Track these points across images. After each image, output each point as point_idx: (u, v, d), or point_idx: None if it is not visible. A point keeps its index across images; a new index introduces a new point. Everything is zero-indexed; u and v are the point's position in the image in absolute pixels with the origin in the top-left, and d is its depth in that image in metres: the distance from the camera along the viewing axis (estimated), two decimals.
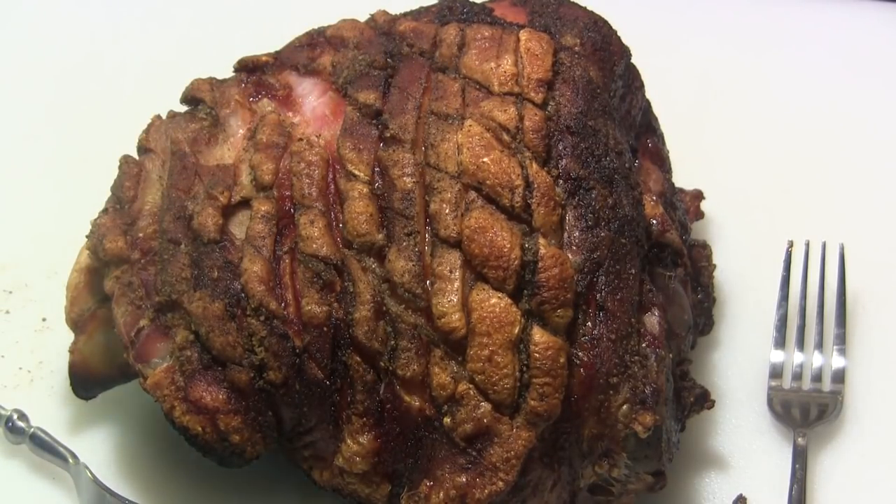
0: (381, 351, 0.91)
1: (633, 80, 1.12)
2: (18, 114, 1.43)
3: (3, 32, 1.55)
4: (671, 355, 0.98)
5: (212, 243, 0.96)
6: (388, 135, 0.97)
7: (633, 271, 0.94)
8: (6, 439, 1.06)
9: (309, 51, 1.09)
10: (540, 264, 0.90)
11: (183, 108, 1.10)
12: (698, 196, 1.25)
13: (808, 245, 1.20)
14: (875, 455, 1.09)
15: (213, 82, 1.10)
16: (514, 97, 0.98)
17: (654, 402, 0.91)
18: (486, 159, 0.94)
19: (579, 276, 0.91)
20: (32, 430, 1.05)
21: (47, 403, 1.11)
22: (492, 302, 0.89)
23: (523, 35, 1.03)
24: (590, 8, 1.11)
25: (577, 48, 1.04)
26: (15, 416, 1.05)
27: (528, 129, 0.96)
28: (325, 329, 0.92)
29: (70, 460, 1.03)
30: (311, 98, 1.05)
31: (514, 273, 0.90)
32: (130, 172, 1.05)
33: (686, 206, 1.19)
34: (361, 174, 0.96)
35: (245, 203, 0.98)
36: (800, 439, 1.07)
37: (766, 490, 1.05)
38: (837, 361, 1.13)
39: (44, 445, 1.04)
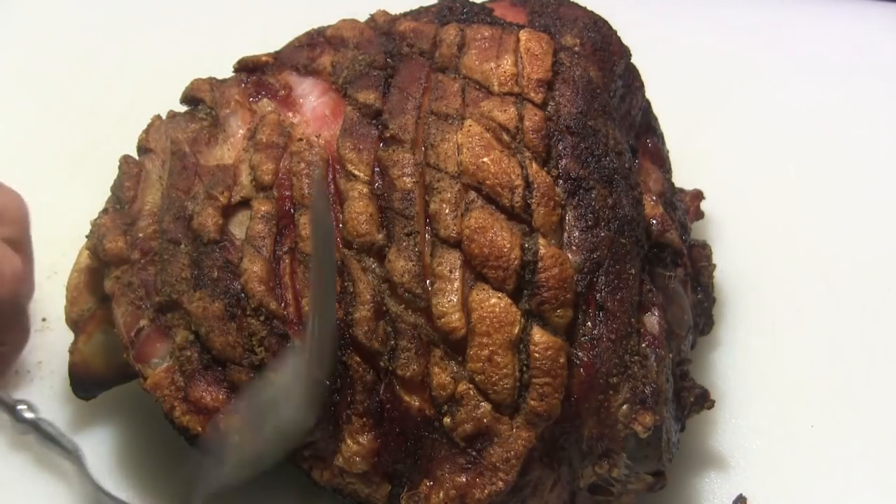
0: (381, 351, 0.91)
1: (633, 80, 1.12)
2: (19, 114, 1.43)
3: (4, 33, 1.55)
4: (671, 355, 0.98)
5: (212, 243, 0.96)
6: (388, 135, 0.97)
7: (633, 271, 0.94)
8: (13, 430, 1.06)
9: (309, 51, 1.09)
10: (540, 264, 0.90)
11: (183, 108, 1.10)
12: (698, 196, 1.25)
13: None
14: (875, 455, 1.09)
15: (213, 82, 1.10)
16: (514, 97, 0.98)
17: (654, 402, 0.91)
18: (486, 159, 0.94)
19: (579, 276, 0.91)
20: (37, 419, 1.05)
21: (47, 403, 1.11)
22: (492, 302, 0.89)
23: (523, 35, 1.02)
24: (590, 8, 1.11)
25: (577, 48, 1.04)
26: (21, 406, 1.05)
27: (528, 129, 0.96)
28: None
29: (71, 451, 1.03)
30: (311, 98, 1.05)
31: (514, 273, 0.90)
32: (130, 172, 1.05)
33: (686, 206, 1.19)
34: (361, 174, 0.96)
35: (245, 203, 0.98)
36: None
37: (766, 490, 1.05)
38: None
39: (49, 436, 1.04)
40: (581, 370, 0.90)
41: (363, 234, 0.94)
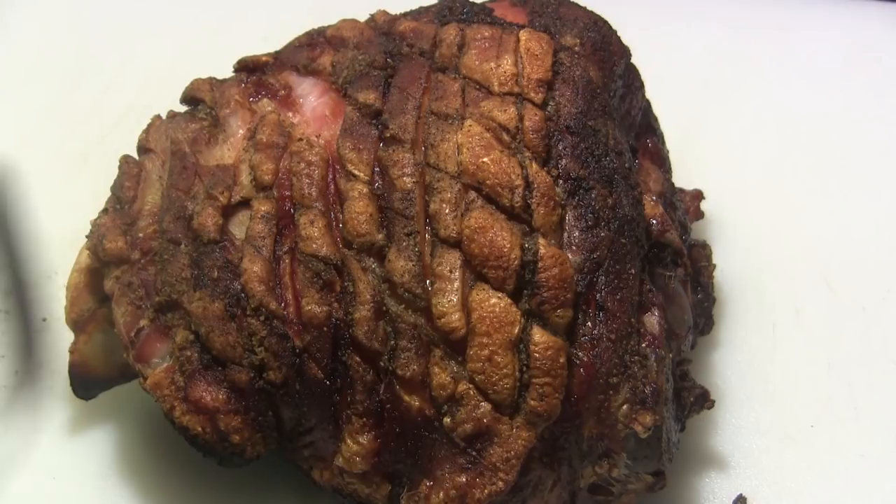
0: (381, 351, 0.91)
1: (633, 80, 1.12)
2: (19, 114, 1.43)
3: (5, 33, 1.55)
4: (671, 355, 0.98)
5: (212, 243, 0.96)
6: (388, 135, 0.97)
7: (633, 271, 0.94)
8: None
9: (309, 51, 1.09)
10: (540, 264, 0.90)
11: (183, 108, 1.10)
12: (698, 196, 1.25)
13: None
14: (875, 455, 1.09)
15: (213, 82, 1.10)
16: (514, 97, 0.98)
17: (654, 402, 0.91)
18: (486, 159, 0.94)
19: (579, 276, 0.91)
20: None
21: (47, 403, 1.11)
22: (492, 302, 0.89)
23: (523, 35, 1.02)
24: (590, 8, 1.11)
25: (577, 48, 1.04)
26: None
27: (528, 129, 0.96)
28: (325, 329, 0.92)
29: None
30: (311, 98, 1.05)
31: (513, 273, 0.90)
32: (130, 172, 1.05)
33: (686, 206, 1.19)
34: (361, 174, 0.96)
35: (245, 203, 0.98)
36: None
37: (766, 490, 1.05)
38: None
39: None
40: (581, 370, 0.90)
41: (363, 234, 0.94)
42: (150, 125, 1.08)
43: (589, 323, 0.91)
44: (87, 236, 1.03)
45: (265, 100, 1.06)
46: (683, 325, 1.03)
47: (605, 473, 0.93)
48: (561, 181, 0.94)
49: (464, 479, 0.89)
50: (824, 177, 1.36)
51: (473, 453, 0.89)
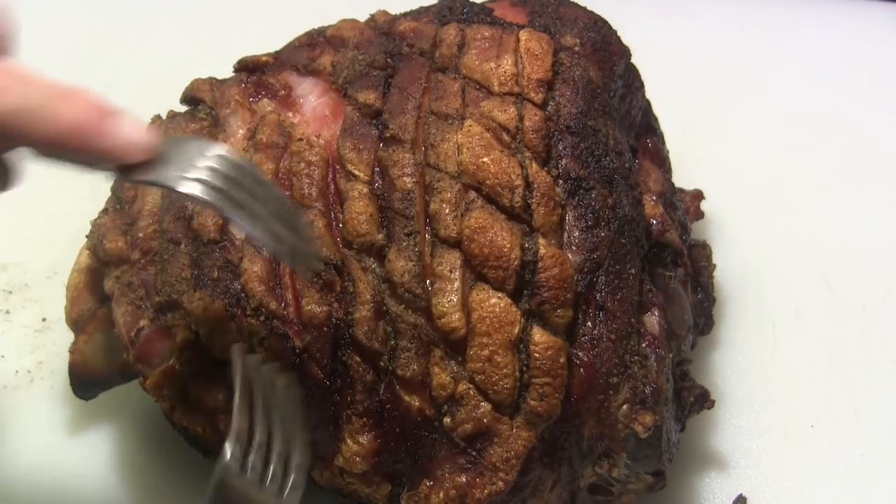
0: (381, 351, 0.91)
1: (633, 80, 1.12)
2: None
3: None
4: (671, 355, 0.98)
5: (212, 243, 0.96)
6: (388, 135, 0.97)
7: (633, 271, 0.94)
8: None
9: (309, 51, 1.09)
10: (540, 264, 0.90)
11: (183, 108, 1.10)
12: (698, 196, 1.25)
13: None
14: (875, 455, 1.09)
15: (213, 82, 1.10)
16: (514, 97, 0.98)
17: (654, 402, 0.91)
18: (486, 159, 0.94)
19: (579, 276, 0.91)
20: None
21: (47, 403, 1.11)
22: (492, 302, 0.89)
23: (523, 35, 1.02)
24: (590, 8, 1.11)
25: (577, 48, 1.04)
26: None
27: (528, 129, 0.96)
28: (325, 329, 0.92)
29: None
30: (311, 98, 1.05)
31: (514, 273, 0.90)
32: None
33: (686, 206, 1.19)
34: (361, 174, 0.96)
35: None
36: None
37: (766, 490, 1.05)
38: None
39: None
40: (581, 370, 0.90)
41: (363, 234, 0.94)
42: (149, 125, 1.08)
43: (589, 323, 0.91)
44: (87, 236, 1.03)
45: (265, 100, 1.06)
46: (683, 325, 1.03)
47: (605, 473, 0.93)
48: (561, 181, 0.94)
49: (464, 479, 0.89)
50: (824, 177, 1.36)
51: (473, 453, 0.89)
